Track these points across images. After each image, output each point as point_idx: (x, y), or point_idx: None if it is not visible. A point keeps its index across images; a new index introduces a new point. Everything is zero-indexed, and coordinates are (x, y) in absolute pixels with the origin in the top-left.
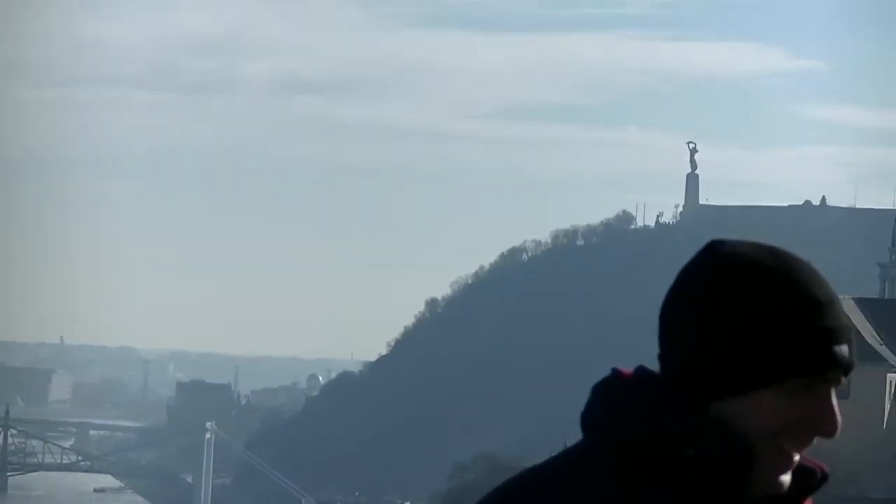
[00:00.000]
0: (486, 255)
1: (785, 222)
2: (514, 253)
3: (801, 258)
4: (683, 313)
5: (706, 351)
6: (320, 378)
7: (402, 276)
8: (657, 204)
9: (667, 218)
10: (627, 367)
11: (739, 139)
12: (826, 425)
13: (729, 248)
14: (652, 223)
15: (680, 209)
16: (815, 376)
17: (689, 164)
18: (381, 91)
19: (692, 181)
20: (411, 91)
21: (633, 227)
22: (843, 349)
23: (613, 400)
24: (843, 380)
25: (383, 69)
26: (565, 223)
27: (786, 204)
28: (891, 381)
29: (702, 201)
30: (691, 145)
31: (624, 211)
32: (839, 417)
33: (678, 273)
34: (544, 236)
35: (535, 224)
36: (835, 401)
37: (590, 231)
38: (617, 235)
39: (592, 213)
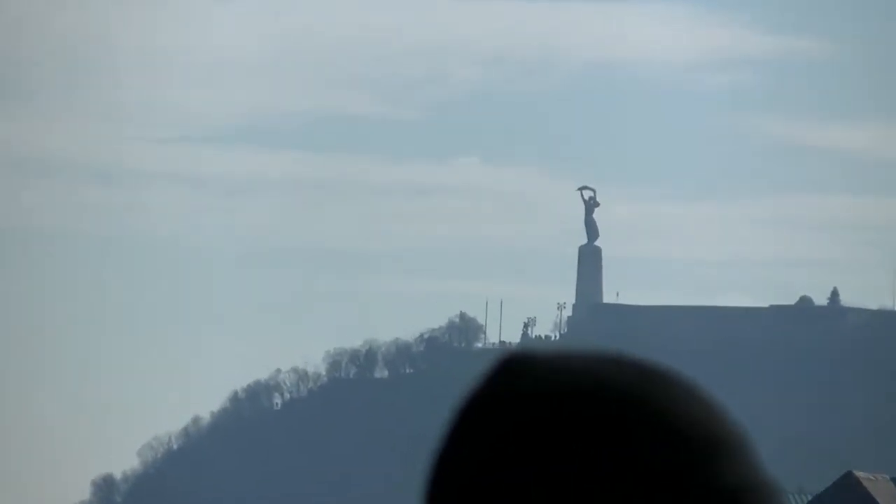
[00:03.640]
0: (203, 403)
1: (760, 335)
2: (254, 395)
3: (672, 373)
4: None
5: None
6: None
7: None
8: (523, 303)
9: (543, 329)
10: None
11: (663, 180)
12: None
13: (540, 368)
14: (514, 339)
15: (567, 314)
16: None
17: (582, 230)
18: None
19: (589, 259)
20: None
21: (479, 345)
22: None
23: None
24: None
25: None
26: (354, 340)
27: (763, 304)
28: None
29: (608, 297)
30: (587, 194)
31: (462, 315)
32: None
33: (460, 412)
34: (315, 361)
35: (305, 342)
36: None
37: (400, 352)
38: (447, 360)
39: (408, 321)
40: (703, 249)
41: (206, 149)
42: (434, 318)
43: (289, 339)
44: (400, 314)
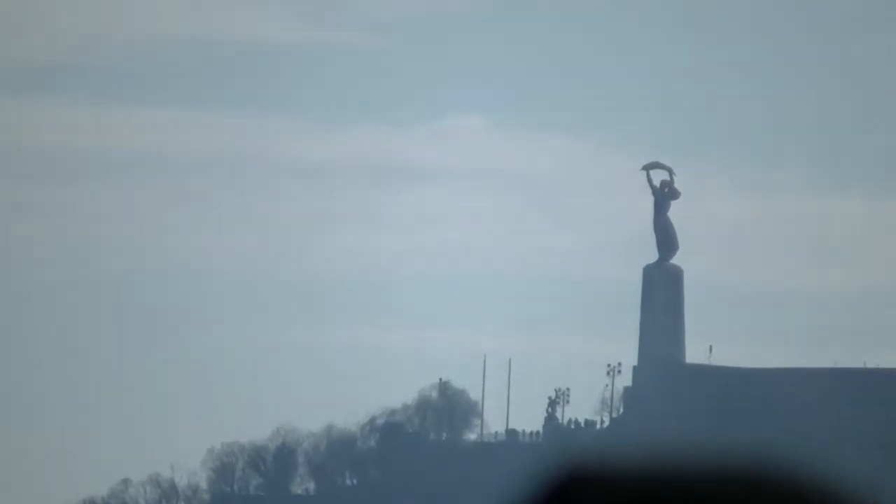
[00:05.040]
0: None
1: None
2: None
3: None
4: None
5: None
6: None
7: None
8: (547, 364)
9: (583, 410)
10: None
11: (787, 158)
12: None
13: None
14: (534, 427)
15: (624, 382)
16: None
17: (650, 239)
18: None
19: (661, 288)
20: None
21: (472, 437)
22: None
23: None
24: None
25: None
26: (257, 430)
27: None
28: None
29: (693, 355)
30: (659, 177)
31: (442, 385)
32: None
33: None
34: (191, 463)
35: (174, 434)
36: None
37: (336, 448)
38: (415, 460)
39: (350, 397)
40: (854, 273)
41: None
42: (395, 391)
43: (148, 430)
44: (336, 385)
